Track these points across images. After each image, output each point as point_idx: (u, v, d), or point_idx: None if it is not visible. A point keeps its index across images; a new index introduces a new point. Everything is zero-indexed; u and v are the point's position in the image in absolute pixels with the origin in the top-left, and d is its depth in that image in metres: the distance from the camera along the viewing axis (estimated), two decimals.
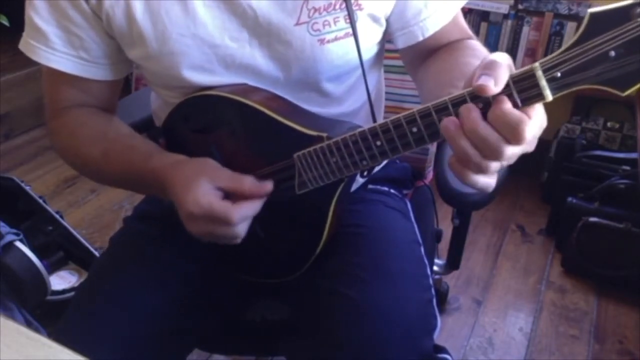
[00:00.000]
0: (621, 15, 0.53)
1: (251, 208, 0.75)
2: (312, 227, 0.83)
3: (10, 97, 2.55)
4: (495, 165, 0.61)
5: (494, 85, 0.57)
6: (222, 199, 0.74)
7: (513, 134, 0.58)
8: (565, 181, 2.05)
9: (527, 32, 2.20)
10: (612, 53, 0.54)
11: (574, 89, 0.57)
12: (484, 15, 2.24)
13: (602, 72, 0.55)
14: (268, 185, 0.77)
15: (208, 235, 0.76)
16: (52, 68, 0.85)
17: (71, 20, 0.82)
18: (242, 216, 0.74)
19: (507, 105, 0.58)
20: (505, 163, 0.61)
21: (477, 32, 2.24)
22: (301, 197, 0.78)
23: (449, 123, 0.61)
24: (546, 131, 0.62)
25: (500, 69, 0.57)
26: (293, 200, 0.78)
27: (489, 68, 0.57)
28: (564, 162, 2.08)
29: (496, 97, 0.58)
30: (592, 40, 0.54)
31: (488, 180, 0.63)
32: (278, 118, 0.78)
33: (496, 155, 0.59)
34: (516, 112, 0.58)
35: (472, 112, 0.59)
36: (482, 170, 0.61)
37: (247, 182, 0.76)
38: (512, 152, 0.60)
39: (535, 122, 0.58)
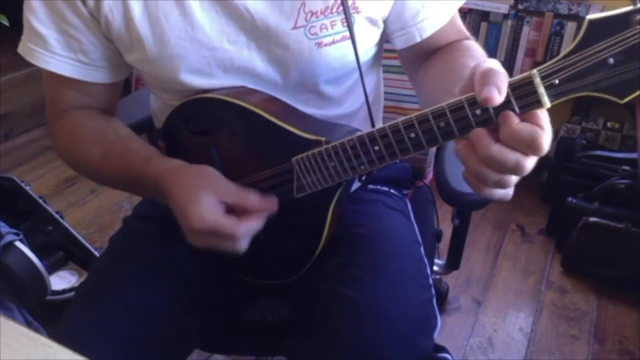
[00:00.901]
0: (620, 22, 0.53)
1: (255, 224, 0.75)
2: (311, 229, 0.83)
3: (10, 97, 2.55)
4: (515, 179, 0.61)
5: (498, 94, 0.56)
6: (225, 212, 0.74)
7: (532, 148, 0.57)
8: (565, 181, 2.05)
9: (527, 32, 2.20)
10: (611, 60, 0.53)
11: (573, 96, 0.56)
12: (484, 15, 2.24)
13: (600, 79, 0.54)
14: (273, 203, 0.77)
15: (209, 247, 0.76)
16: (51, 71, 0.85)
17: (69, 23, 0.82)
18: (247, 232, 0.74)
19: (516, 121, 0.57)
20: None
21: (477, 32, 2.24)
22: (300, 200, 0.78)
23: (461, 147, 0.61)
24: None
25: (500, 77, 0.57)
26: (292, 203, 0.78)
27: (488, 77, 0.57)
28: (564, 162, 2.08)
29: (502, 113, 0.58)
30: (591, 47, 0.54)
31: (506, 192, 0.63)
32: (276, 121, 0.78)
33: (517, 171, 0.59)
34: (528, 126, 0.57)
35: (482, 138, 0.58)
36: (501, 186, 0.61)
37: (252, 198, 0.76)
38: (533, 163, 0.59)
39: (549, 131, 0.58)
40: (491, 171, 0.59)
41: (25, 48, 0.85)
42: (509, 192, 0.63)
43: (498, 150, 0.58)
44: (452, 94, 0.61)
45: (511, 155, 0.58)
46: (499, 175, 0.60)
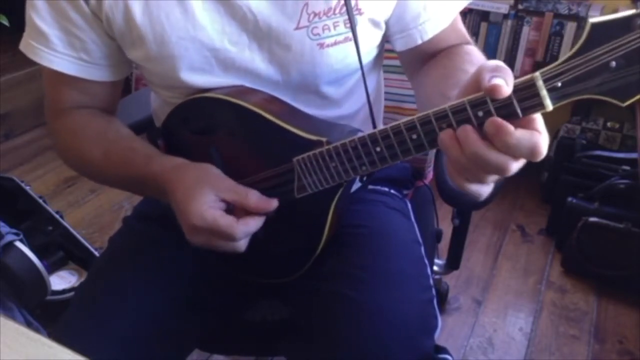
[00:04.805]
0: (622, 25, 0.53)
1: (255, 224, 0.75)
2: (312, 229, 0.83)
3: (10, 97, 2.55)
4: (493, 178, 0.61)
5: (506, 86, 0.56)
6: (224, 210, 0.74)
7: (534, 155, 0.57)
8: (565, 181, 2.05)
9: (527, 32, 2.20)
10: (613, 64, 0.54)
11: (575, 98, 0.56)
12: (484, 15, 2.24)
13: (602, 82, 0.55)
14: (273, 203, 0.77)
15: (208, 246, 0.76)
16: (52, 69, 0.85)
17: (72, 21, 0.82)
18: (246, 232, 0.74)
19: (512, 129, 0.56)
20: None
21: (477, 32, 2.24)
22: (301, 200, 0.78)
23: (445, 137, 0.60)
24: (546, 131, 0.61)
25: (508, 72, 0.57)
26: (292, 203, 0.78)
27: (497, 71, 0.57)
28: (564, 162, 2.08)
29: (493, 122, 0.57)
30: (593, 50, 0.54)
31: (484, 189, 0.63)
32: (276, 121, 0.78)
33: (501, 172, 0.59)
34: (528, 134, 0.56)
35: (469, 134, 0.58)
36: (480, 182, 0.61)
37: (253, 197, 0.76)
38: (519, 165, 0.59)
39: (546, 134, 0.58)
40: (475, 167, 0.59)
41: (28, 45, 0.85)
42: (486, 190, 0.63)
43: (485, 150, 0.57)
44: (447, 98, 0.61)
45: (499, 157, 0.57)
46: (482, 174, 0.60)
